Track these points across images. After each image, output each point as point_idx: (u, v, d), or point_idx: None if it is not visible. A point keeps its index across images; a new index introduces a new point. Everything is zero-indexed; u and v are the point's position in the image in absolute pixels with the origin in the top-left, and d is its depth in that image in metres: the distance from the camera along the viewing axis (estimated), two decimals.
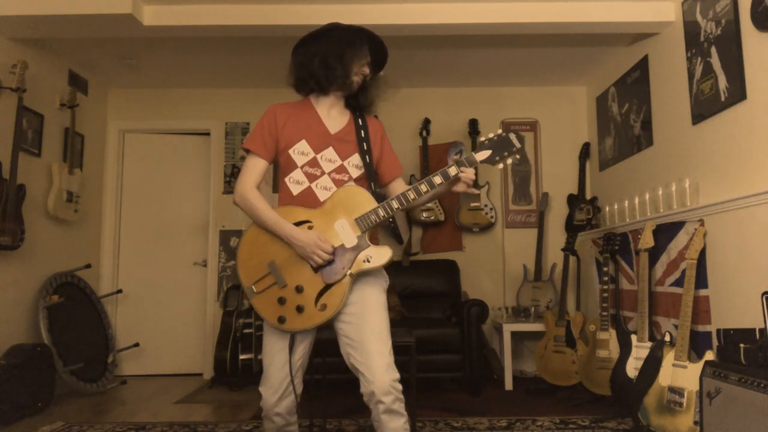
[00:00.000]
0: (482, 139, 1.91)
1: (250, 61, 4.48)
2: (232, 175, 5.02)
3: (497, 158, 1.89)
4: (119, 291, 4.77)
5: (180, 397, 4.05)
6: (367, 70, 1.99)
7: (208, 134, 5.12)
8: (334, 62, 1.92)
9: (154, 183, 5.09)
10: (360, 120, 2.05)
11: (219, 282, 4.93)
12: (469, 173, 1.88)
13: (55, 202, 4.07)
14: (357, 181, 1.98)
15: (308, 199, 1.93)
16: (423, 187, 1.87)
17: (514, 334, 4.31)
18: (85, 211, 4.54)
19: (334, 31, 1.97)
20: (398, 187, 2.08)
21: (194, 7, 3.51)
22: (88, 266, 4.45)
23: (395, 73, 4.72)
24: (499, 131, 1.91)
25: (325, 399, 3.11)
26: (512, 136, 1.90)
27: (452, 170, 1.87)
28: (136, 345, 4.73)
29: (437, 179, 1.87)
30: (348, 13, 3.49)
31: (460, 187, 1.91)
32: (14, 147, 3.59)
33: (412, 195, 1.87)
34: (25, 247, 3.72)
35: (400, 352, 2.68)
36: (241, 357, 4.35)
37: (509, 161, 1.90)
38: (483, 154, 1.89)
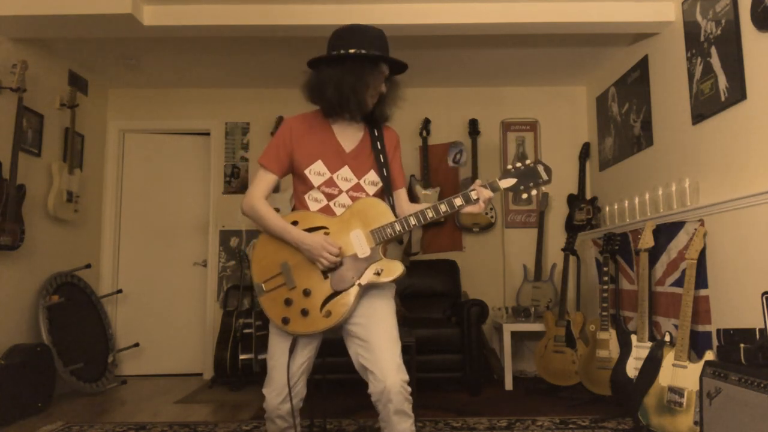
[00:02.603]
0: (509, 166, 1.88)
1: (251, 61, 4.48)
2: (232, 175, 5.02)
3: (521, 187, 1.87)
4: (119, 291, 4.77)
5: (180, 397, 4.05)
6: (384, 89, 1.97)
7: (208, 134, 5.12)
8: (348, 92, 1.89)
9: (154, 183, 5.09)
10: (376, 131, 2.04)
11: (219, 282, 4.93)
12: (483, 194, 1.85)
13: (55, 202, 4.07)
14: (375, 195, 1.98)
15: (327, 215, 1.95)
16: (443, 207, 1.86)
17: (514, 334, 4.31)
18: (85, 211, 4.54)
19: (349, 60, 1.89)
20: (401, 197, 2.07)
21: (194, 7, 3.51)
22: (88, 266, 4.45)
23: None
24: (528, 161, 1.88)
25: (325, 399, 3.11)
26: (540, 168, 1.87)
27: (473, 194, 1.86)
28: (136, 345, 4.73)
29: (458, 201, 1.86)
30: (348, 14, 3.49)
31: (474, 209, 1.89)
32: (14, 147, 3.59)
33: (430, 214, 1.86)
34: (25, 247, 3.72)
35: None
36: (241, 357, 4.35)
37: (534, 192, 1.88)
38: (507, 182, 1.86)
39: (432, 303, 4.56)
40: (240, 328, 4.45)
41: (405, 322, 4.04)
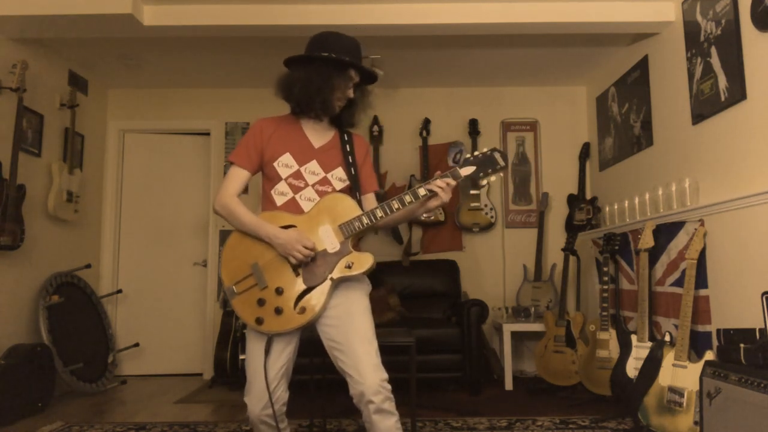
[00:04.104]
0: (468, 155, 1.93)
1: (250, 61, 4.48)
2: None
3: (480, 174, 1.90)
4: (119, 291, 4.77)
5: (180, 397, 4.05)
6: (351, 93, 2.00)
7: (208, 134, 5.12)
8: (314, 91, 1.93)
9: (154, 183, 5.09)
10: (345, 135, 2.08)
11: (219, 282, 4.92)
12: (440, 183, 1.86)
13: (55, 202, 4.07)
14: (341, 192, 2.00)
15: (292, 210, 1.96)
16: (407, 198, 1.88)
17: (514, 334, 4.31)
18: (85, 211, 4.54)
19: (317, 61, 1.96)
20: (369, 201, 2.09)
21: (194, 7, 3.51)
22: (88, 266, 4.45)
23: (395, 73, 4.72)
24: (485, 149, 1.92)
25: (325, 399, 3.11)
26: (497, 155, 1.91)
27: (432, 185, 1.88)
28: (136, 345, 4.73)
29: (421, 191, 1.88)
30: (348, 13, 3.50)
31: (437, 201, 1.90)
32: (14, 147, 3.59)
33: (396, 205, 1.88)
34: (25, 247, 3.72)
35: (400, 352, 2.68)
36: (241, 357, 4.35)
37: (492, 179, 1.92)
38: (467, 170, 1.90)
39: (432, 303, 4.56)
40: (240, 328, 4.45)
41: (405, 322, 4.05)
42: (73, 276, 4.28)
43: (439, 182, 1.87)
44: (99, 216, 4.88)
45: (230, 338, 4.43)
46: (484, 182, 1.92)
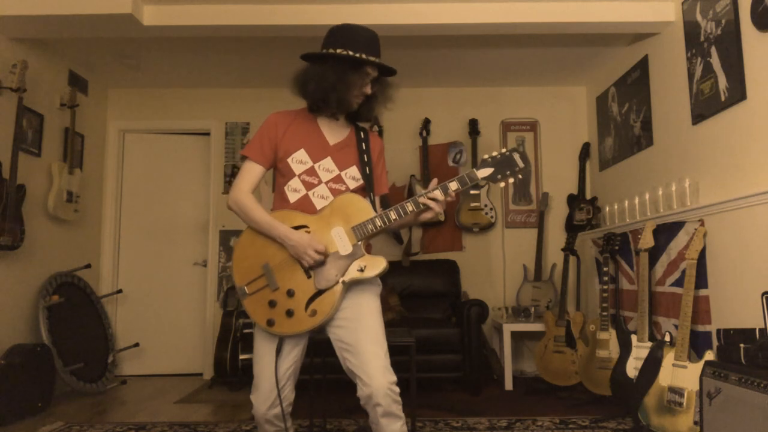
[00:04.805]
0: (485, 156, 1.88)
1: (250, 61, 4.48)
2: (232, 175, 5.01)
3: (499, 176, 1.85)
4: (119, 291, 4.77)
5: (180, 397, 4.05)
6: (368, 90, 1.95)
7: (208, 134, 5.12)
8: (329, 90, 1.89)
9: (154, 183, 5.09)
10: (362, 133, 2.05)
11: (219, 282, 4.93)
12: (435, 195, 1.84)
13: (55, 202, 4.07)
14: (354, 191, 1.97)
15: (304, 207, 1.93)
16: (422, 200, 1.85)
17: (514, 334, 4.31)
18: (85, 211, 4.54)
19: (333, 59, 1.89)
20: (377, 204, 2.06)
21: (194, 7, 3.51)
22: (88, 266, 4.45)
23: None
24: (504, 150, 1.87)
25: (325, 399, 3.11)
26: (516, 156, 1.85)
27: (453, 185, 1.84)
28: (136, 345, 4.73)
29: (437, 193, 1.85)
30: (349, 14, 3.49)
31: (430, 213, 1.87)
32: (14, 147, 3.59)
33: (410, 207, 1.85)
34: (25, 247, 3.72)
35: (400, 352, 2.68)
36: (241, 357, 4.35)
37: (511, 180, 1.86)
38: (484, 172, 1.85)
39: (432, 303, 4.56)
40: (240, 328, 4.45)
41: (405, 322, 4.05)
42: (73, 276, 4.27)
43: (429, 196, 1.83)
44: (99, 216, 4.88)
45: (230, 338, 4.43)
46: (502, 185, 1.86)
